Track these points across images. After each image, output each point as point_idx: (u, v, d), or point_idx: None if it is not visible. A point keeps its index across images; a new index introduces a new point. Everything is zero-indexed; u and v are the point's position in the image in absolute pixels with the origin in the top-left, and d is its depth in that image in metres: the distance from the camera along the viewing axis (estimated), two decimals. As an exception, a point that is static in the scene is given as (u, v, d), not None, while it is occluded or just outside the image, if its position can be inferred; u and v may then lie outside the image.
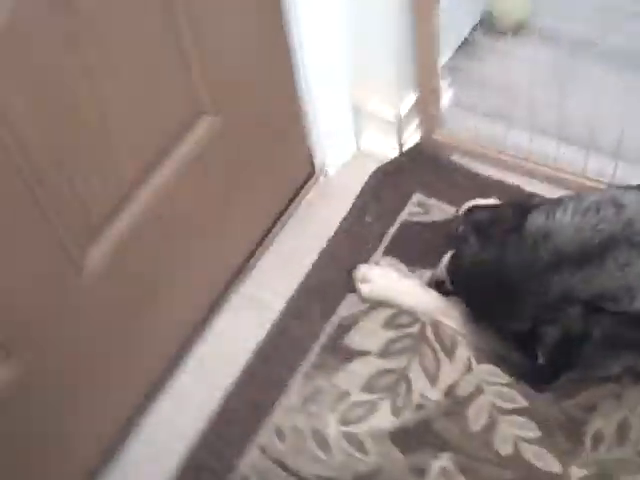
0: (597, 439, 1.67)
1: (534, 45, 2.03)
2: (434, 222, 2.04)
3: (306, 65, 1.91)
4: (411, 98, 2.13)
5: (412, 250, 1.98)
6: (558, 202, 1.57)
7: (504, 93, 2.00)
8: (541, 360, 1.58)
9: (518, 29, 2.24)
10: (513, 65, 1.98)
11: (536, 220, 1.55)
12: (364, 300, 1.89)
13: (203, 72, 1.60)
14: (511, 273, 1.56)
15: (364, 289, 1.89)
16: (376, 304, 1.89)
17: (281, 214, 2.08)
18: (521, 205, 1.61)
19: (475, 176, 2.11)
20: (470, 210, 1.79)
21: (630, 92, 1.96)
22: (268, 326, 1.89)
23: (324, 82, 1.99)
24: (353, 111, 2.14)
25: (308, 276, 1.96)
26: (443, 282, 1.81)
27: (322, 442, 1.71)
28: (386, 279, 1.89)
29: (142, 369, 1.77)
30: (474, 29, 2.22)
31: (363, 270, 1.91)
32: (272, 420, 1.75)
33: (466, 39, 2.23)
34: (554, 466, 1.64)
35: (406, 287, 1.87)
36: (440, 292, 1.83)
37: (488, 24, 2.20)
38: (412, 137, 2.19)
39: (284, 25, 1.80)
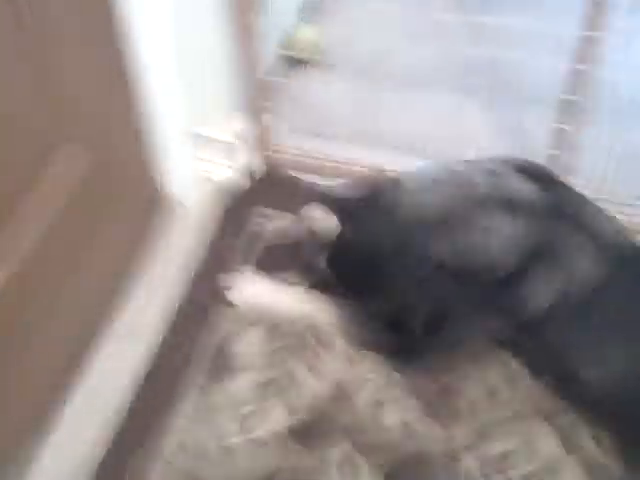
0: (472, 404, 1.85)
1: (330, 71, 2.27)
2: (289, 234, 2.16)
3: (148, 98, 2.00)
4: (241, 118, 2.26)
5: (275, 262, 2.11)
6: (414, 178, 1.76)
7: (316, 112, 2.24)
8: (417, 333, 1.75)
9: (316, 58, 2.44)
10: (315, 89, 2.19)
11: (398, 196, 1.72)
12: (238, 307, 1.99)
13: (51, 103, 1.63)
14: (384, 250, 1.73)
15: (241, 303, 1.99)
16: (252, 317, 1.98)
17: (139, 245, 2.12)
18: (384, 186, 1.77)
19: (310, 186, 2.29)
20: (340, 200, 1.92)
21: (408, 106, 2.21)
22: (148, 354, 1.93)
23: (164, 114, 2.08)
24: (193, 137, 2.22)
25: (182, 298, 2.03)
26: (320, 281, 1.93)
27: (226, 451, 1.78)
28: (259, 291, 2.01)
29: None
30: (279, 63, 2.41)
31: (236, 285, 2.00)
32: (172, 437, 1.80)
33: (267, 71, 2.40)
34: (438, 434, 1.81)
35: (280, 296, 2.00)
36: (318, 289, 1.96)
37: (287, 56, 2.39)
38: (249, 162, 2.32)
39: (124, 57, 1.88)
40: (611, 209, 1.87)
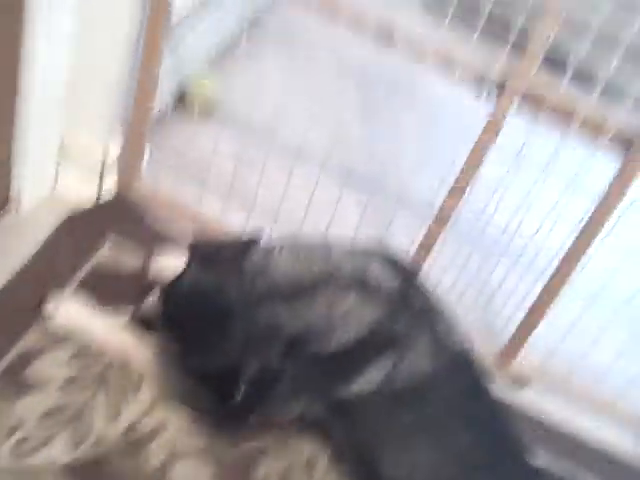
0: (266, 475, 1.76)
1: (220, 126, 2.27)
2: (127, 266, 2.06)
3: (28, 95, 1.91)
4: (118, 144, 2.17)
5: (105, 290, 1.98)
6: (277, 243, 1.70)
7: (194, 162, 2.25)
8: (237, 395, 1.66)
9: (206, 113, 2.41)
10: (199, 141, 2.18)
11: (255, 256, 1.67)
12: (54, 330, 1.85)
13: None
14: (227, 302, 1.65)
15: (55, 320, 1.86)
16: (64, 337, 1.86)
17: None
18: (244, 243, 1.71)
19: (168, 228, 2.20)
20: (195, 245, 1.84)
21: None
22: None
23: (39, 114, 1.98)
24: (60, 149, 2.13)
25: (-5, 297, 1.88)
26: (146, 319, 1.83)
27: (-6, 472, 1.62)
28: (78, 313, 1.88)
29: None
30: (168, 106, 2.36)
31: (56, 302, 1.88)
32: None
33: (159, 114, 2.35)
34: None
35: (98, 323, 1.88)
36: (142, 327, 1.85)
37: (179, 105, 2.35)
38: (111, 185, 2.22)
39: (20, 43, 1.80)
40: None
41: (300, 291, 1.67)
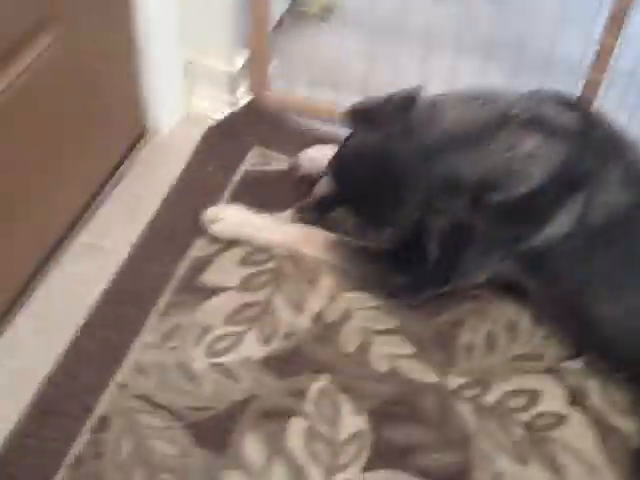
0: (469, 350, 1.67)
1: (342, 28, 2.15)
2: (275, 171, 1.99)
3: (143, 17, 1.86)
4: (243, 55, 2.11)
5: (257, 196, 1.91)
6: (442, 94, 1.59)
7: (324, 66, 2.12)
8: (430, 258, 1.56)
9: (326, 14, 2.31)
10: (324, 43, 2.07)
11: (421, 108, 1.55)
12: (217, 239, 1.78)
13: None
14: (398, 159, 1.55)
15: (216, 228, 1.80)
16: (228, 244, 1.79)
17: (117, 167, 1.94)
18: (405, 97, 1.60)
19: (308, 130, 2.12)
20: (353, 109, 1.70)
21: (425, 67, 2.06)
22: (114, 271, 1.72)
23: (157, 36, 1.93)
24: (185, 69, 2.08)
25: (153, 221, 1.85)
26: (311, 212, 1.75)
27: (189, 375, 1.58)
28: (238, 217, 1.82)
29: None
30: (285, 13, 2.26)
31: (214, 210, 1.82)
32: (130, 358, 1.58)
33: (278, 22, 2.26)
34: (430, 377, 1.62)
35: (260, 222, 1.81)
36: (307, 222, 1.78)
37: (297, 10, 2.25)
38: (243, 97, 2.15)
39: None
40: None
41: (475, 136, 1.55)
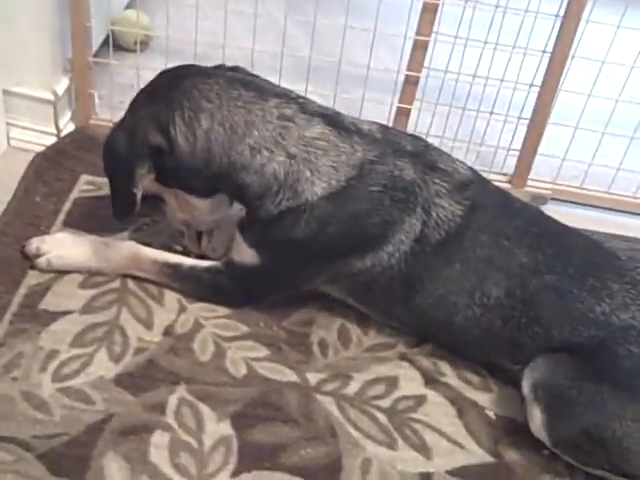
0: (323, 346, 1.68)
1: (160, 56, 2.15)
2: (107, 196, 1.93)
3: None
4: (64, 84, 2.07)
5: (92, 222, 1.86)
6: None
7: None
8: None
9: (142, 46, 2.31)
10: (143, 72, 2.06)
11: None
12: (51, 266, 1.71)
13: None
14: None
15: (41, 263, 1.71)
16: (65, 270, 1.72)
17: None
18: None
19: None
20: None
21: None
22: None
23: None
24: (5, 98, 2.00)
25: (-17, 254, 1.73)
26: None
27: (37, 403, 1.49)
28: (62, 247, 1.73)
29: None
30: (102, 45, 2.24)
31: (35, 244, 1.72)
32: (-31, 393, 1.47)
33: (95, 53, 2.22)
34: (291, 376, 1.61)
35: (85, 250, 1.73)
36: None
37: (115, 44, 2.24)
38: (67, 125, 2.10)
39: None
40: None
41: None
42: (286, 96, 1.58)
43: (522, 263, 1.56)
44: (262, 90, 1.57)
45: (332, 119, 1.58)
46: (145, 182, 1.59)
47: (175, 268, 1.70)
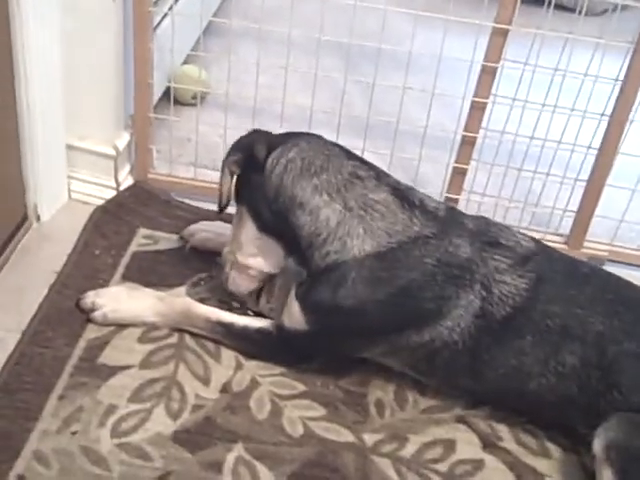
0: (379, 406, 1.67)
1: (217, 110, 2.22)
2: (165, 250, 1.97)
3: (29, 103, 1.85)
4: (124, 139, 2.11)
5: (149, 276, 1.89)
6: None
7: (198, 147, 2.17)
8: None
9: (200, 99, 2.36)
10: (201, 126, 2.14)
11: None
12: (109, 321, 1.74)
13: None
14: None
15: (97, 317, 1.73)
16: (123, 325, 1.74)
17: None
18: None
19: (192, 209, 2.11)
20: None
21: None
22: (4, 361, 1.64)
23: (40, 121, 1.90)
24: (68, 153, 2.05)
25: (43, 307, 1.77)
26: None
27: (95, 458, 1.50)
28: (117, 300, 1.75)
29: None
30: (161, 99, 2.28)
31: (91, 298, 1.75)
32: (29, 447, 1.49)
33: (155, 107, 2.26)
34: (347, 437, 1.60)
35: (142, 302, 1.75)
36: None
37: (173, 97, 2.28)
38: (126, 179, 2.14)
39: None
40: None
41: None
42: (367, 164, 1.64)
43: (598, 331, 1.54)
44: (349, 152, 1.65)
45: (400, 191, 1.61)
46: (233, 169, 1.64)
47: (227, 327, 1.71)
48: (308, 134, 1.70)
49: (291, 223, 1.58)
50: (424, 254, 1.54)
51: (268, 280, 1.73)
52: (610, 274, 1.70)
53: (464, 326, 1.54)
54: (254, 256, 1.69)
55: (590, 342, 1.54)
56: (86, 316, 1.75)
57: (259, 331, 1.69)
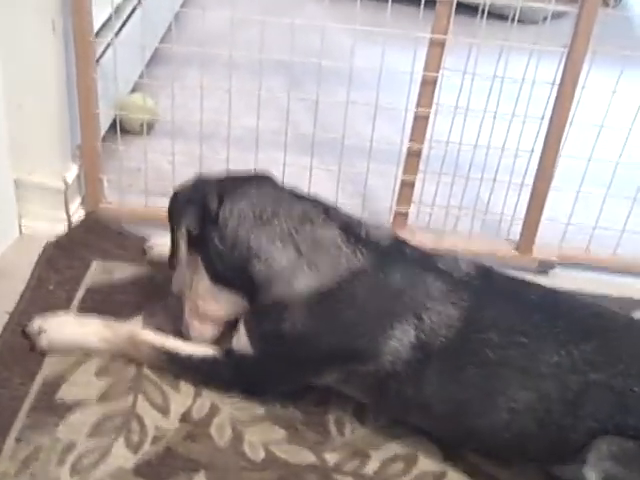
0: (340, 424, 1.68)
1: (165, 138, 2.21)
2: (120, 280, 1.97)
3: None
4: (73, 171, 2.11)
5: (106, 307, 1.87)
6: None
7: (154, 175, 2.19)
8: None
9: (148, 127, 2.36)
10: (150, 154, 2.16)
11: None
12: (69, 354, 1.73)
13: None
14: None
15: (42, 341, 1.73)
16: (82, 357, 1.74)
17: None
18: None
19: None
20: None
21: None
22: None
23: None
24: (16, 188, 2.04)
25: (-2, 346, 1.75)
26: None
27: (57, 498, 1.48)
28: (63, 326, 1.76)
29: None
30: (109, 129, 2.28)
31: (37, 322, 1.75)
32: (-11, 492, 1.48)
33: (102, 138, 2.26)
34: (309, 458, 1.61)
35: (87, 329, 1.75)
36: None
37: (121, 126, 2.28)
38: (77, 212, 2.14)
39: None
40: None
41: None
42: (316, 203, 1.66)
43: (554, 362, 1.47)
44: (297, 194, 1.69)
45: (348, 225, 1.62)
46: (192, 228, 1.65)
47: (171, 355, 1.71)
48: (257, 178, 1.73)
49: (248, 272, 1.59)
50: (360, 287, 1.56)
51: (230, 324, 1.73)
52: (563, 297, 1.64)
53: (405, 357, 1.52)
54: (214, 304, 1.69)
55: (546, 374, 1.47)
56: (31, 343, 1.75)
57: (204, 360, 1.69)
